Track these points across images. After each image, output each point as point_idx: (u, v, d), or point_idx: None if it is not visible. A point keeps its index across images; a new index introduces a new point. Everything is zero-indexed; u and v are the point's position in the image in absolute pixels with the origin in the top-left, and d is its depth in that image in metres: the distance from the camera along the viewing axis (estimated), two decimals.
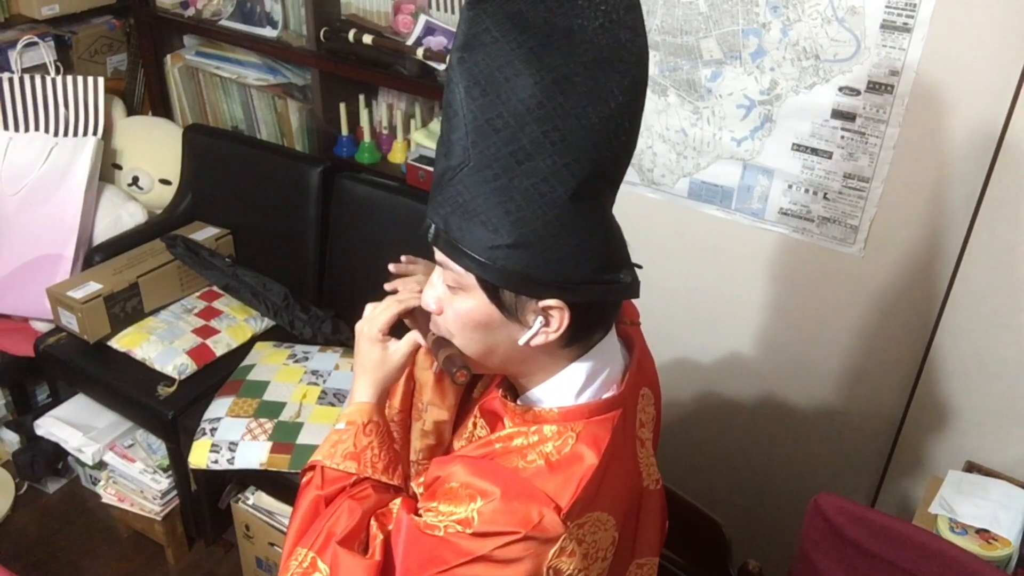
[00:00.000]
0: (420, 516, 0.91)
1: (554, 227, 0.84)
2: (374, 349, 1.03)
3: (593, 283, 0.88)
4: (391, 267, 1.13)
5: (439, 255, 0.90)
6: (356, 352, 1.05)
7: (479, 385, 1.15)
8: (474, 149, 0.83)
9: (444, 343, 0.95)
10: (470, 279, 0.88)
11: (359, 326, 1.04)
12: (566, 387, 0.95)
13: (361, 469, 1.00)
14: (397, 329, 1.05)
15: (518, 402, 0.99)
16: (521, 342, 0.90)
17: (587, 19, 0.83)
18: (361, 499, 0.97)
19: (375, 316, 1.03)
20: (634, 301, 1.08)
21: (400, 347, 1.03)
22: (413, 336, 1.03)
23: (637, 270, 0.93)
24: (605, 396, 0.95)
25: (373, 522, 0.95)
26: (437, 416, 1.12)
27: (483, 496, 0.87)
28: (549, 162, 0.82)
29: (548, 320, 0.88)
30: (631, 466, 1.02)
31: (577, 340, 0.93)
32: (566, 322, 0.88)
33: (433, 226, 0.89)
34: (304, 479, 1.03)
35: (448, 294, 0.92)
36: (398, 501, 0.95)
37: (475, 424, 1.07)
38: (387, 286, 1.11)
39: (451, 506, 0.88)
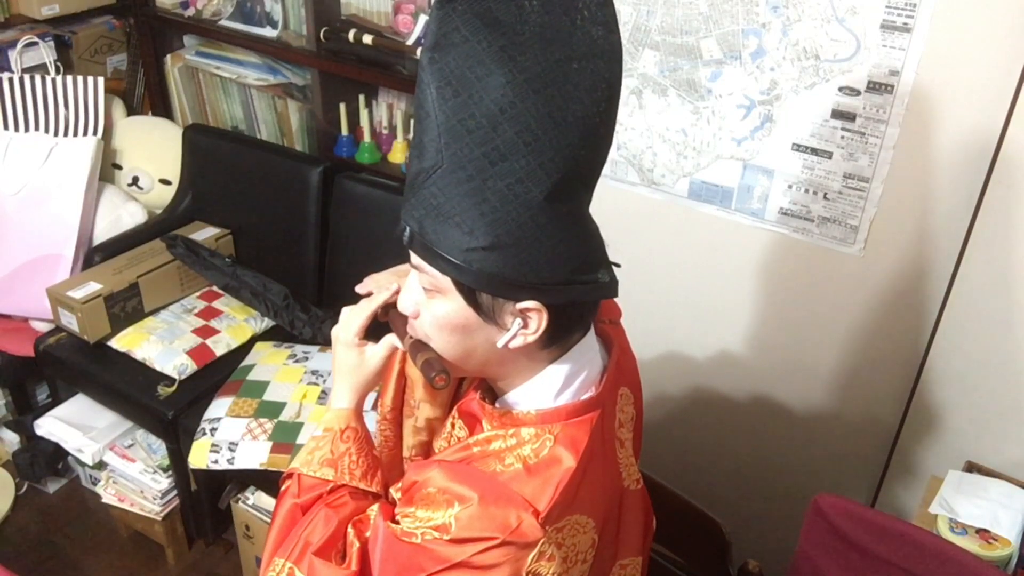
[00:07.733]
0: (397, 523, 0.90)
1: (530, 228, 0.82)
2: (350, 353, 1.02)
3: (571, 284, 0.87)
4: (358, 288, 1.11)
5: (414, 258, 0.89)
6: (333, 357, 1.04)
7: (464, 384, 1.14)
8: (447, 151, 0.81)
9: (422, 347, 0.93)
10: (446, 282, 0.87)
11: (334, 331, 1.03)
12: (544, 389, 0.94)
13: (338, 476, 0.99)
14: (379, 331, 1.05)
15: (496, 405, 0.98)
16: (499, 344, 0.89)
17: (558, 17, 0.81)
18: (337, 507, 0.96)
19: (349, 320, 1.02)
20: (634, 301, 1.07)
21: (377, 351, 1.03)
22: (390, 339, 1.02)
23: (616, 269, 0.92)
24: (584, 397, 0.95)
25: (350, 529, 0.94)
26: (429, 413, 1.11)
27: (460, 501, 0.86)
28: (523, 162, 0.80)
29: (526, 322, 0.87)
30: (611, 467, 1.01)
31: (556, 341, 0.92)
32: (544, 324, 0.87)
33: (408, 229, 0.87)
34: (283, 487, 1.02)
35: (424, 297, 0.91)
36: (375, 507, 0.94)
37: (453, 425, 1.06)
38: (359, 288, 1.10)
39: (428, 512, 0.87)
